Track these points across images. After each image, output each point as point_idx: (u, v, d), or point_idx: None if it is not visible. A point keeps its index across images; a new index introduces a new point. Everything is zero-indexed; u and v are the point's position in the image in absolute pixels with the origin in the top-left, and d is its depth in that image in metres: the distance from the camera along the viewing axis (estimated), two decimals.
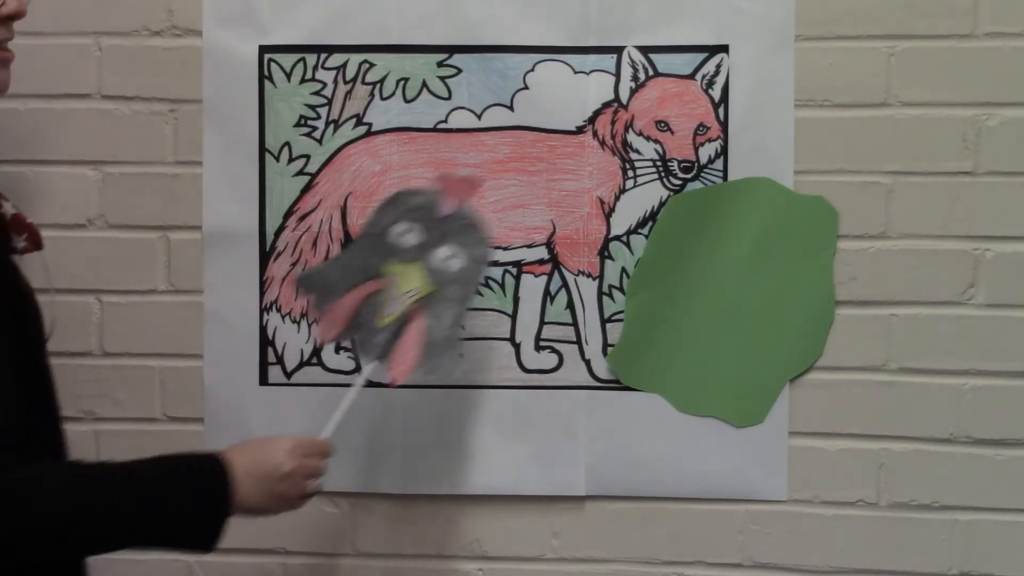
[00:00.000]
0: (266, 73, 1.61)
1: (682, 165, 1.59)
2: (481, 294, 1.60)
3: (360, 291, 1.44)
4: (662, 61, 1.59)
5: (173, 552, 1.27)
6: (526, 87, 1.59)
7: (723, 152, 1.59)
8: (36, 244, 1.32)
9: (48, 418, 1.31)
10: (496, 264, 1.61)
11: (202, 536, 1.26)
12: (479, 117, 1.60)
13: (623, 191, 1.60)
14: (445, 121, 1.61)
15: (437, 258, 1.45)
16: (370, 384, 1.44)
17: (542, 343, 1.61)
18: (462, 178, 1.48)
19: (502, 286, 1.61)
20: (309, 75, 1.61)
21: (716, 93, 1.58)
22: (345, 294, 1.44)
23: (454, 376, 1.45)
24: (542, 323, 1.61)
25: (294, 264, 1.63)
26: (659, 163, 1.59)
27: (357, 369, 1.62)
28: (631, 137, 1.59)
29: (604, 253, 1.60)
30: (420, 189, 1.48)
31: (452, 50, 1.60)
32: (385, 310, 1.44)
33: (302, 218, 1.63)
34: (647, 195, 1.60)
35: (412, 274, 1.45)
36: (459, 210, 1.45)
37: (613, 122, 1.59)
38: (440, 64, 1.60)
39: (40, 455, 1.25)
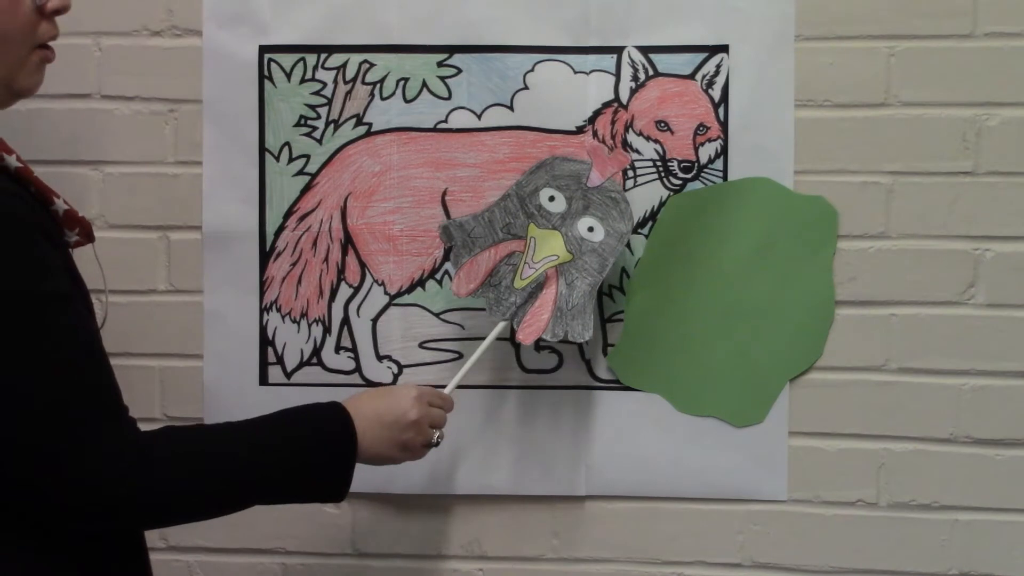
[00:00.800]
0: (266, 73, 1.62)
1: (682, 165, 1.59)
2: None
3: (500, 249, 1.48)
4: (662, 61, 1.59)
5: (305, 503, 1.31)
6: (526, 87, 1.59)
7: (723, 152, 1.59)
8: (88, 237, 1.33)
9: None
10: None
11: (332, 486, 1.28)
12: (479, 117, 1.60)
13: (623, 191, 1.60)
14: (445, 121, 1.61)
15: (579, 228, 1.49)
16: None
17: (542, 343, 1.61)
18: (613, 152, 1.52)
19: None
20: (309, 75, 1.61)
21: (716, 93, 1.58)
22: (485, 250, 1.48)
23: (581, 340, 1.48)
24: None
25: (294, 264, 1.63)
26: (659, 163, 1.59)
27: (357, 369, 1.63)
28: (631, 137, 1.59)
29: None
30: (572, 157, 1.51)
31: (452, 50, 1.60)
32: (522, 272, 1.47)
33: (302, 218, 1.63)
34: (647, 195, 1.60)
35: (553, 240, 1.48)
36: (606, 183, 1.49)
37: (613, 122, 1.59)
38: (440, 64, 1.60)
39: None
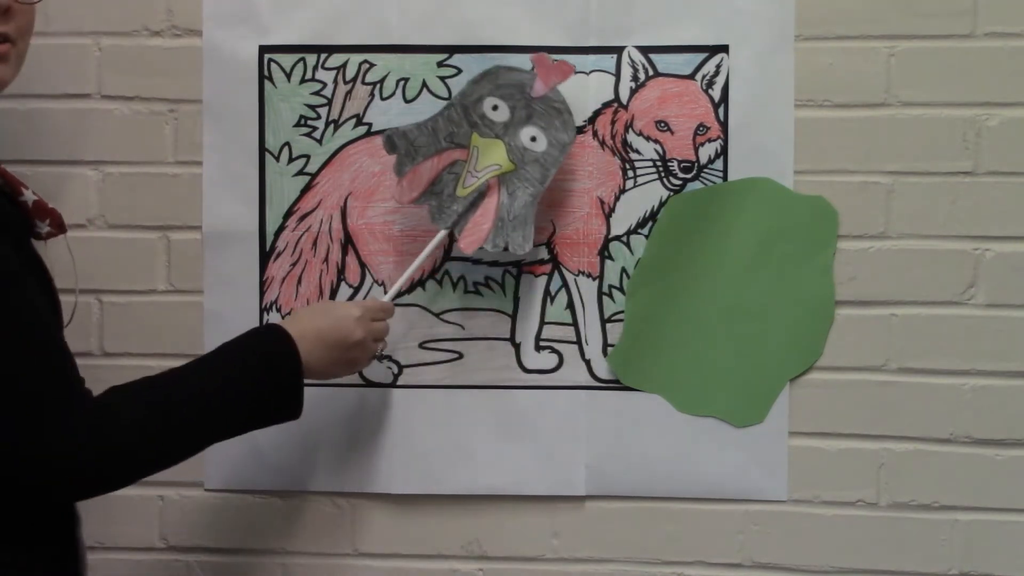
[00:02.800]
0: (266, 73, 1.61)
1: (682, 165, 1.59)
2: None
3: (443, 158, 1.49)
4: (662, 61, 1.59)
5: (264, 427, 1.34)
6: None
7: (723, 152, 1.59)
8: (59, 227, 1.33)
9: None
10: (496, 264, 1.61)
11: (285, 407, 1.33)
12: None
13: (623, 191, 1.60)
14: None
15: (522, 137, 1.49)
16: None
17: (542, 343, 1.61)
18: (556, 62, 1.52)
19: (502, 286, 1.61)
20: (309, 75, 1.61)
21: (716, 93, 1.58)
22: (428, 159, 1.49)
23: (521, 252, 1.49)
24: (542, 323, 1.61)
25: (294, 264, 1.63)
26: (659, 163, 1.59)
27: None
28: (631, 137, 1.59)
29: (604, 253, 1.60)
30: (516, 67, 1.52)
31: (452, 50, 1.60)
32: (464, 181, 1.48)
33: (302, 218, 1.63)
34: (647, 195, 1.60)
35: (495, 149, 1.49)
36: (549, 93, 1.50)
37: (613, 122, 1.59)
38: (440, 64, 1.60)
39: None
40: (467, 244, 1.49)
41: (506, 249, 1.49)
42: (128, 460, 1.19)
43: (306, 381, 1.34)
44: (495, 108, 1.50)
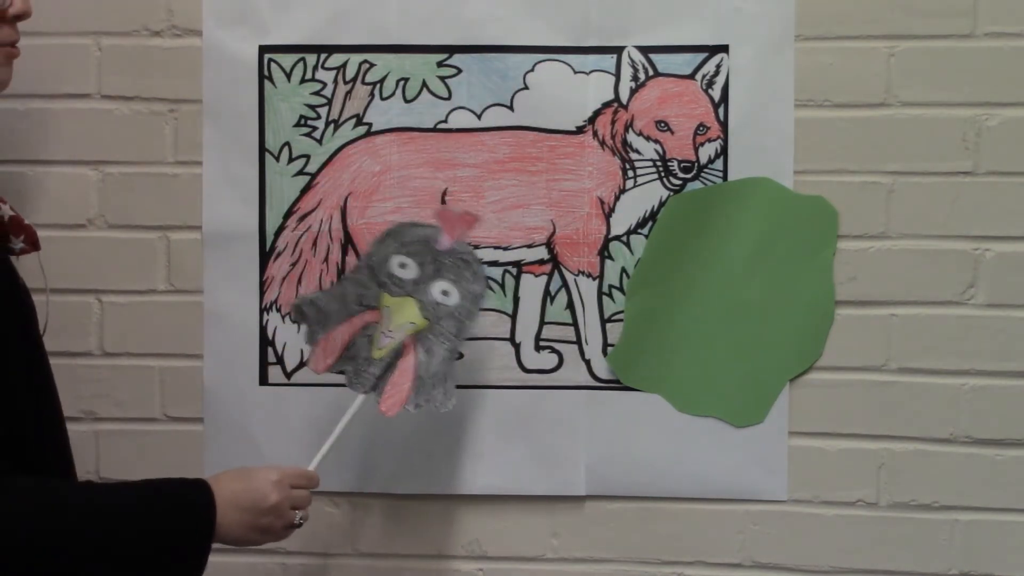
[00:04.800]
0: (266, 73, 1.61)
1: (682, 165, 1.59)
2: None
3: (355, 322, 1.45)
4: (662, 61, 1.59)
5: None
6: (526, 87, 1.59)
7: (723, 152, 1.59)
8: (33, 245, 1.33)
9: (50, 417, 1.31)
10: (496, 264, 1.61)
11: (184, 567, 1.22)
12: (479, 117, 1.60)
13: (623, 191, 1.60)
14: (445, 121, 1.61)
15: (433, 293, 1.46)
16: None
17: (542, 343, 1.61)
18: (460, 213, 1.48)
19: (502, 286, 1.61)
20: (309, 75, 1.61)
21: (716, 93, 1.58)
22: (340, 324, 1.45)
23: (444, 410, 1.45)
24: (542, 323, 1.61)
25: (294, 264, 1.63)
26: (659, 163, 1.59)
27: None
28: (631, 137, 1.59)
29: (604, 253, 1.60)
30: (419, 222, 1.49)
31: (452, 50, 1.60)
32: (379, 342, 1.44)
33: (302, 218, 1.63)
34: (647, 195, 1.60)
35: (407, 308, 1.46)
36: (456, 245, 1.47)
37: (613, 122, 1.59)
38: (440, 64, 1.60)
39: (43, 455, 1.25)
40: (388, 407, 1.43)
41: (429, 408, 1.44)
42: None
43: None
44: (403, 266, 1.46)
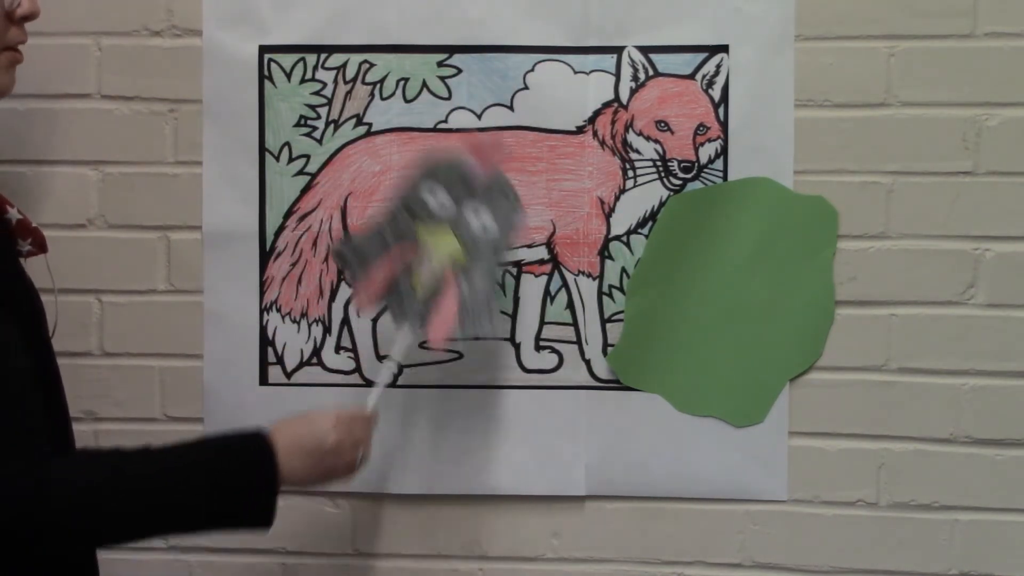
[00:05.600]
0: (266, 73, 1.62)
1: (682, 165, 1.59)
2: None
3: (394, 258, 1.45)
4: (662, 61, 1.59)
5: (231, 532, 1.26)
6: (526, 87, 1.59)
7: (723, 152, 1.59)
8: (41, 247, 1.34)
9: (58, 417, 1.31)
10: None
11: (255, 514, 1.24)
12: (479, 117, 1.60)
13: (623, 191, 1.60)
14: (445, 121, 1.61)
15: (468, 222, 1.46)
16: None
17: (542, 343, 1.62)
18: (489, 142, 1.49)
19: (502, 286, 1.61)
20: (309, 75, 1.61)
21: (716, 93, 1.58)
22: (379, 261, 1.45)
23: (491, 335, 1.46)
24: (542, 323, 1.61)
25: (294, 264, 1.63)
26: (659, 163, 1.59)
27: (357, 369, 1.63)
28: (631, 137, 1.59)
29: (604, 253, 1.60)
30: (452, 155, 1.48)
31: (452, 50, 1.60)
32: (420, 275, 1.45)
33: (302, 218, 1.63)
34: (647, 195, 1.60)
35: (445, 239, 1.46)
36: (491, 175, 1.46)
37: (613, 122, 1.59)
38: (440, 64, 1.60)
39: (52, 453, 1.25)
40: (435, 338, 1.43)
41: (476, 336, 1.46)
42: (62, 534, 1.14)
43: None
44: (437, 198, 1.46)
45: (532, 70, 1.59)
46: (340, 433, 1.32)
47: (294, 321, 1.62)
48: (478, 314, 1.43)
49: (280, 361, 1.63)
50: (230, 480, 1.23)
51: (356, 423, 1.36)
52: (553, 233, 1.61)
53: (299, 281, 1.63)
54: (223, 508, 1.22)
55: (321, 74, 1.61)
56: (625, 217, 1.60)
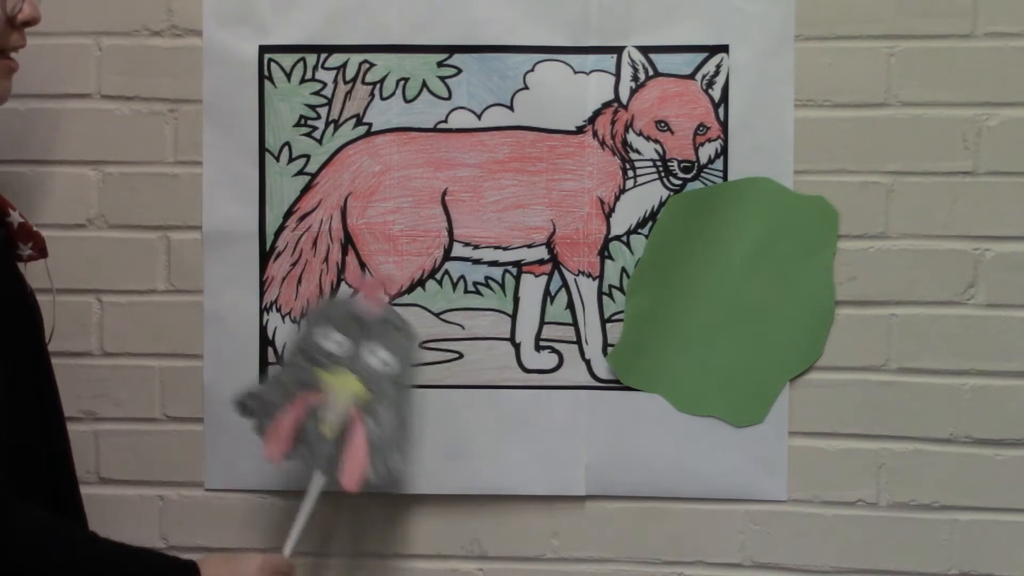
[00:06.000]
0: (266, 73, 1.62)
1: (682, 165, 1.59)
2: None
3: (298, 406, 1.46)
4: (662, 61, 1.59)
5: None
6: (526, 87, 1.59)
7: (723, 152, 1.59)
8: (41, 252, 1.34)
9: (51, 422, 1.31)
10: (496, 264, 1.61)
11: None
12: (479, 117, 1.60)
13: (623, 191, 1.60)
14: (445, 121, 1.61)
15: (367, 362, 1.47)
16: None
17: (542, 343, 1.62)
18: (374, 278, 1.52)
19: (502, 286, 1.61)
20: (309, 75, 1.61)
21: (716, 93, 1.58)
22: (285, 411, 1.46)
23: (405, 477, 1.48)
24: (542, 323, 1.61)
25: (294, 264, 1.63)
26: (659, 163, 1.59)
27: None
28: (631, 137, 1.59)
29: (604, 253, 1.60)
30: (339, 297, 1.52)
31: (452, 50, 1.60)
32: (326, 420, 1.46)
33: (302, 218, 1.63)
34: (647, 195, 1.60)
35: (346, 380, 1.47)
36: (382, 311, 1.49)
37: (613, 122, 1.59)
38: (440, 64, 1.60)
39: (44, 461, 1.25)
40: (350, 482, 1.44)
41: (391, 475, 1.46)
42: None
43: None
44: (332, 341, 1.48)
45: (532, 70, 1.59)
46: None
47: (294, 321, 1.62)
48: (389, 450, 1.45)
49: (280, 361, 1.63)
50: None
51: (280, 570, 1.39)
52: (553, 233, 1.61)
53: (299, 281, 1.63)
54: None
55: (321, 74, 1.61)
56: (625, 217, 1.60)
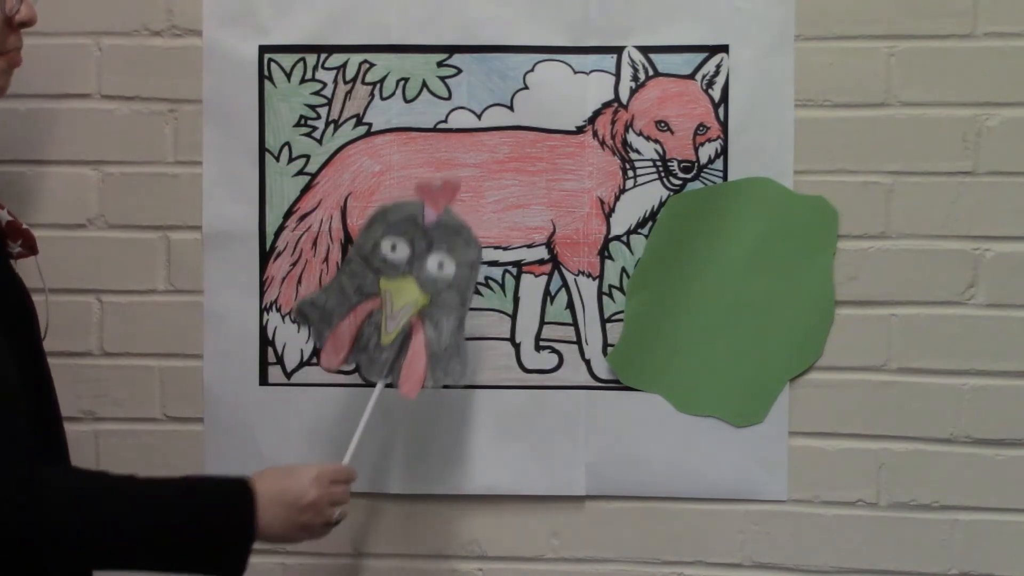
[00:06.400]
0: (266, 73, 1.61)
1: (682, 165, 1.59)
2: (480, 293, 1.60)
3: (358, 313, 1.45)
4: (662, 61, 1.59)
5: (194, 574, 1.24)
6: (526, 87, 1.59)
7: (723, 152, 1.59)
8: (31, 249, 1.34)
9: (48, 420, 1.31)
10: (496, 264, 1.61)
11: (226, 562, 1.24)
12: (479, 117, 1.60)
13: (623, 191, 1.60)
14: (445, 121, 1.61)
15: (428, 268, 1.46)
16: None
17: (542, 343, 1.62)
18: (440, 184, 1.47)
19: (502, 286, 1.61)
20: (309, 75, 1.61)
21: (716, 93, 1.58)
22: (344, 318, 1.45)
23: (464, 382, 1.47)
24: (542, 323, 1.61)
25: (294, 264, 1.63)
26: (659, 163, 1.59)
27: (357, 369, 1.62)
28: (631, 137, 1.59)
29: (604, 253, 1.60)
30: (401, 201, 1.48)
31: (452, 50, 1.60)
32: (386, 327, 1.45)
33: (302, 218, 1.63)
34: (647, 195, 1.60)
35: (406, 288, 1.45)
36: (442, 217, 1.46)
37: (613, 122, 1.59)
38: (440, 64, 1.60)
39: (41, 457, 1.25)
40: (408, 389, 1.43)
41: (448, 384, 1.46)
42: (41, 542, 1.14)
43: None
44: (393, 248, 1.46)
45: (532, 70, 1.59)
46: (319, 490, 1.32)
47: (294, 321, 1.62)
48: (449, 359, 1.44)
49: (280, 361, 1.63)
50: (208, 524, 1.23)
51: (337, 479, 1.37)
52: (553, 233, 1.61)
53: (299, 281, 1.63)
54: (196, 551, 1.22)
55: (321, 74, 1.61)
56: (625, 217, 1.60)
